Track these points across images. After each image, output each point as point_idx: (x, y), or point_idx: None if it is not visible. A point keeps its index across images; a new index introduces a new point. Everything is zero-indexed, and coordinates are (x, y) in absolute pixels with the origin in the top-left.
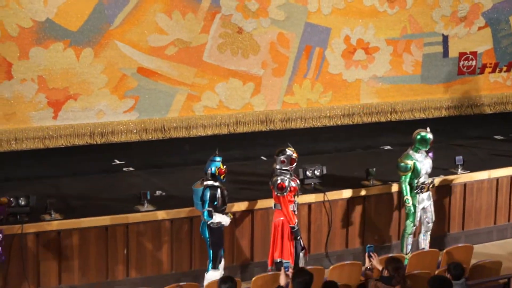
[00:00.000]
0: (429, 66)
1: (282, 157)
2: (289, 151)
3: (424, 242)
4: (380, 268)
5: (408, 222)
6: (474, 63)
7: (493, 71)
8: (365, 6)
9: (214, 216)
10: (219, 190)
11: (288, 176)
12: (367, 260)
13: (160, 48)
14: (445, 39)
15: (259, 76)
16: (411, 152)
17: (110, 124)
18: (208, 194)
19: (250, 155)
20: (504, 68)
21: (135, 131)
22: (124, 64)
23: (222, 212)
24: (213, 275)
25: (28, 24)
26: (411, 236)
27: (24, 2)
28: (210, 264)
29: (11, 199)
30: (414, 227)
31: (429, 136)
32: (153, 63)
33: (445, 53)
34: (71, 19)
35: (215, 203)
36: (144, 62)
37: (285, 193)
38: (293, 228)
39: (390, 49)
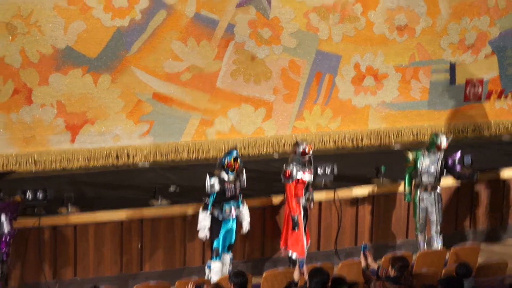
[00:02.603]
0: (436, 93)
1: (295, 146)
2: (304, 143)
3: (436, 243)
4: (375, 267)
5: (415, 219)
6: (480, 90)
7: (499, 97)
8: (375, 34)
9: (203, 213)
10: (217, 179)
11: (299, 166)
12: (362, 259)
13: (175, 74)
14: (452, 66)
15: (271, 102)
16: (424, 148)
17: (126, 147)
18: (206, 180)
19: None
20: (510, 95)
21: (150, 154)
22: (140, 89)
23: (226, 201)
24: (212, 264)
25: (49, 51)
26: (422, 233)
27: (45, 30)
28: None
29: (28, 192)
30: (419, 225)
31: (440, 141)
32: (168, 89)
33: (452, 80)
34: (90, 46)
35: (214, 193)
36: (159, 87)
37: (290, 181)
38: (293, 218)
39: (398, 76)
